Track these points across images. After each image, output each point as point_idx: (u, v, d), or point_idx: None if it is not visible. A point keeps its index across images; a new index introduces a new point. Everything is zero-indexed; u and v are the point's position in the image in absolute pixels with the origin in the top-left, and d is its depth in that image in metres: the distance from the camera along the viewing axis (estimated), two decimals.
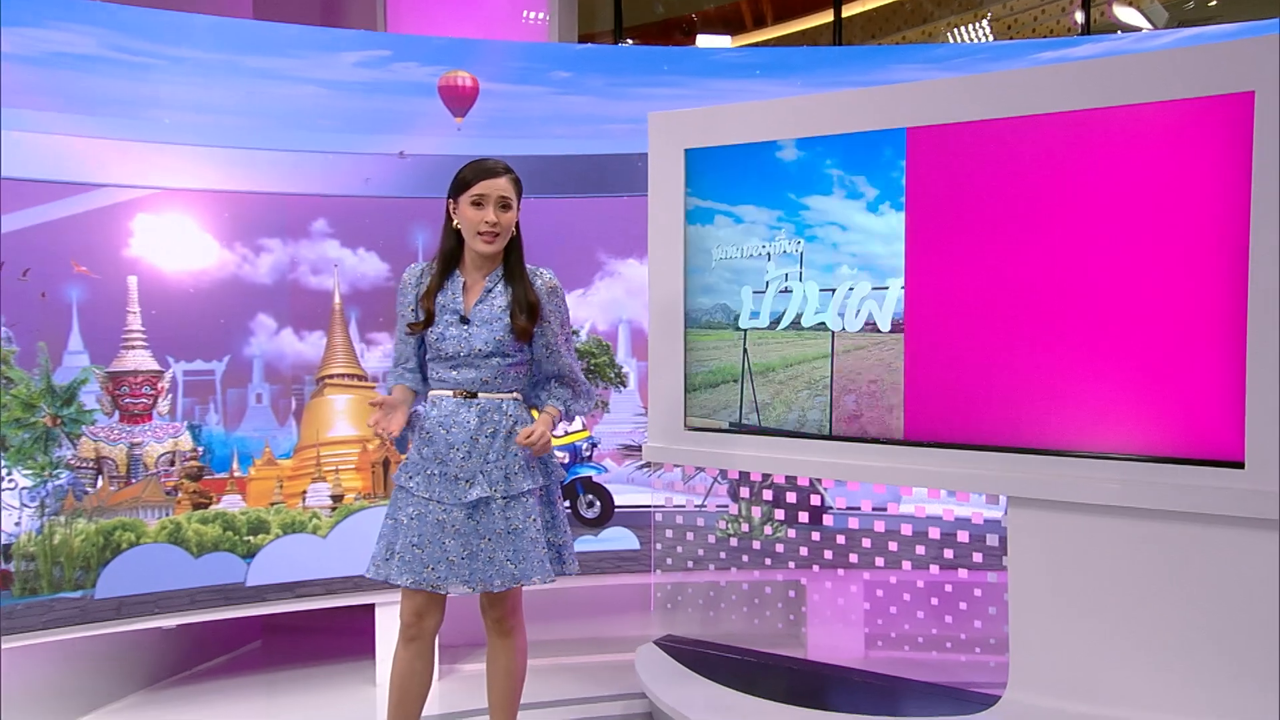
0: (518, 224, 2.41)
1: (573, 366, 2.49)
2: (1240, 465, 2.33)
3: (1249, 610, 2.35)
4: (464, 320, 2.37)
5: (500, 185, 2.34)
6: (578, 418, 3.74)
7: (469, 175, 2.35)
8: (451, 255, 2.42)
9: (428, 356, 2.43)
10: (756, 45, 7.94)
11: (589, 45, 3.69)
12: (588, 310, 3.71)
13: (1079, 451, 2.52)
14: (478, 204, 2.33)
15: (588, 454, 3.73)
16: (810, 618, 3.65)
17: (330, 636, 3.86)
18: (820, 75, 3.69)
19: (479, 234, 2.34)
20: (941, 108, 2.67)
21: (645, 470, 3.72)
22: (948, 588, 3.23)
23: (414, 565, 2.31)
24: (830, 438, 2.87)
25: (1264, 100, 2.28)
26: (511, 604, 2.45)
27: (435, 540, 2.31)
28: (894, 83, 3.51)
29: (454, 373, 2.38)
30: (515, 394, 2.43)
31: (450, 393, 2.38)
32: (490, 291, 2.40)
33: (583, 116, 3.63)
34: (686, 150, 3.11)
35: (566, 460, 3.72)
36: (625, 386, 3.76)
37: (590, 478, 3.71)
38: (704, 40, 7.65)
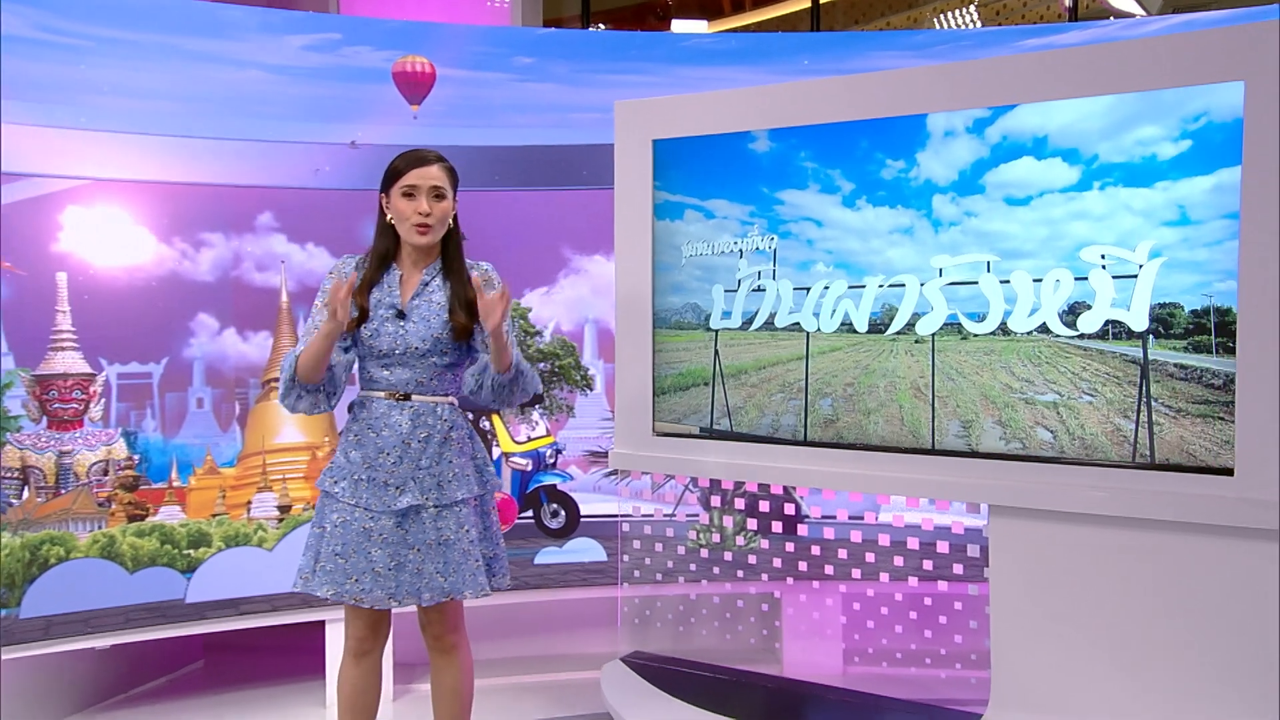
0: (456, 217, 2.40)
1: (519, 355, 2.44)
2: (1229, 472, 2.33)
3: (1239, 623, 2.34)
4: (400, 315, 2.34)
5: (433, 174, 2.33)
6: (541, 423, 3.70)
7: (400, 165, 2.35)
8: (387, 254, 2.39)
9: (359, 353, 2.39)
10: (734, 31, 7.93)
11: (553, 30, 3.67)
12: (552, 309, 3.68)
13: (1062, 458, 2.51)
14: (409, 195, 2.33)
15: (552, 461, 3.70)
16: (785, 632, 3.64)
17: (277, 655, 3.80)
18: (797, 62, 3.69)
19: (413, 225, 2.33)
20: (904, 99, 2.65)
21: (612, 478, 3.69)
22: (927, 600, 3.23)
23: (336, 576, 2.28)
24: (805, 443, 2.85)
25: (1255, 91, 2.27)
26: (452, 620, 2.42)
27: (360, 550, 2.28)
28: (872, 70, 3.52)
29: (386, 372, 2.35)
30: (451, 399, 2.41)
31: (382, 394, 2.35)
32: (428, 285, 2.38)
33: (547, 105, 3.60)
34: (655, 141, 3.08)
35: (530, 468, 3.68)
36: (592, 390, 3.73)
37: (554, 486, 3.69)
38: (679, 25, 7.63)
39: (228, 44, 3.30)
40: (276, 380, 3.36)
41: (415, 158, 2.34)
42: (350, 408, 2.41)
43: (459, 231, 2.42)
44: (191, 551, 3.27)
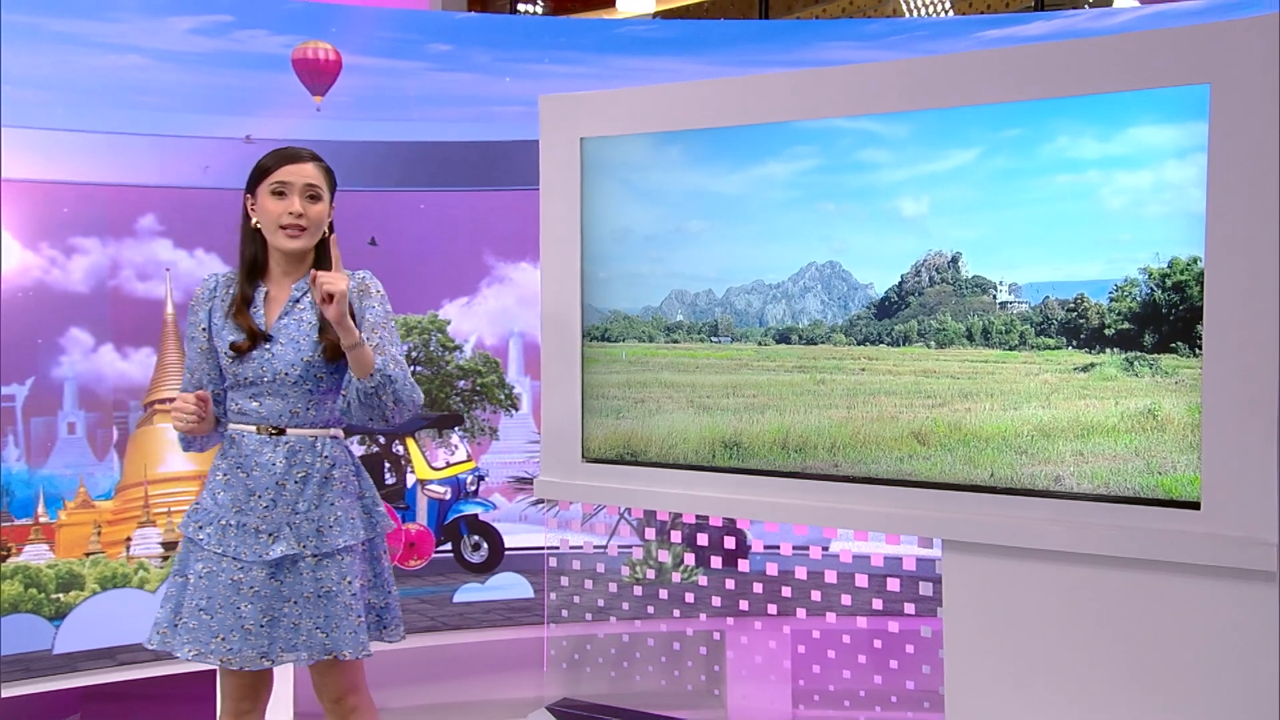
0: (332, 225, 2.30)
1: (399, 360, 2.29)
2: (1196, 506, 2.30)
3: (1210, 666, 2.32)
4: (266, 337, 2.23)
5: (306, 171, 2.25)
6: (461, 447, 3.61)
7: (269, 162, 2.26)
8: (254, 262, 2.29)
9: (225, 384, 2.29)
10: (685, 8, 7.89)
11: (472, 14, 3.61)
12: (474, 322, 3.60)
13: (1020, 489, 2.47)
14: (279, 193, 2.23)
15: (473, 488, 3.62)
16: (729, 676, 3.60)
17: (164, 704, 3.66)
18: (741, 53, 3.65)
19: (281, 228, 2.22)
20: (851, 98, 2.59)
21: (540, 507, 3.62)
22: (877, 642, 3.21)
23: (200, 634, 2.17)
24: (750, 471, 2.79)
25: (1220, 94, 2.24)
26: (349, 679, 2.33)
27: (228, 604, 2.18)
28: (822, 63, 3.48)
29: (255, 403, 2.24)
30: (334, 431, 2.31)
31: (253, 428, 2.24)
32: (298, 303, 2.27)
33: (466, 97, 3.53)
34: (583, 140, 3.00)
35: (448, 496, 3.59)
36: (517, 409, 3.65)
37: (476, 516, 3.60)
38: (624, 5, 7.58)
39: (104, 25, 3.19)
40: (160, 402, 3.28)
41: (287, 154, 2.26)
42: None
43: (334, 239, 2.28)
44: (61, 596, 3.14)
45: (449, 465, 3.60)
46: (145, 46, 3.23)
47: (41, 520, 3.15)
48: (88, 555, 3.19)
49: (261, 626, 2.18)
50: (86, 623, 3.16)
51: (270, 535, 2.20)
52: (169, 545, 3.28)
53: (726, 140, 2.76)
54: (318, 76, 3.40)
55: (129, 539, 3.25)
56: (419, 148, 3.50)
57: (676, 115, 2.86)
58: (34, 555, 3.13)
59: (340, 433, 2.32)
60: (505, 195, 3.54)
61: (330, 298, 2.10)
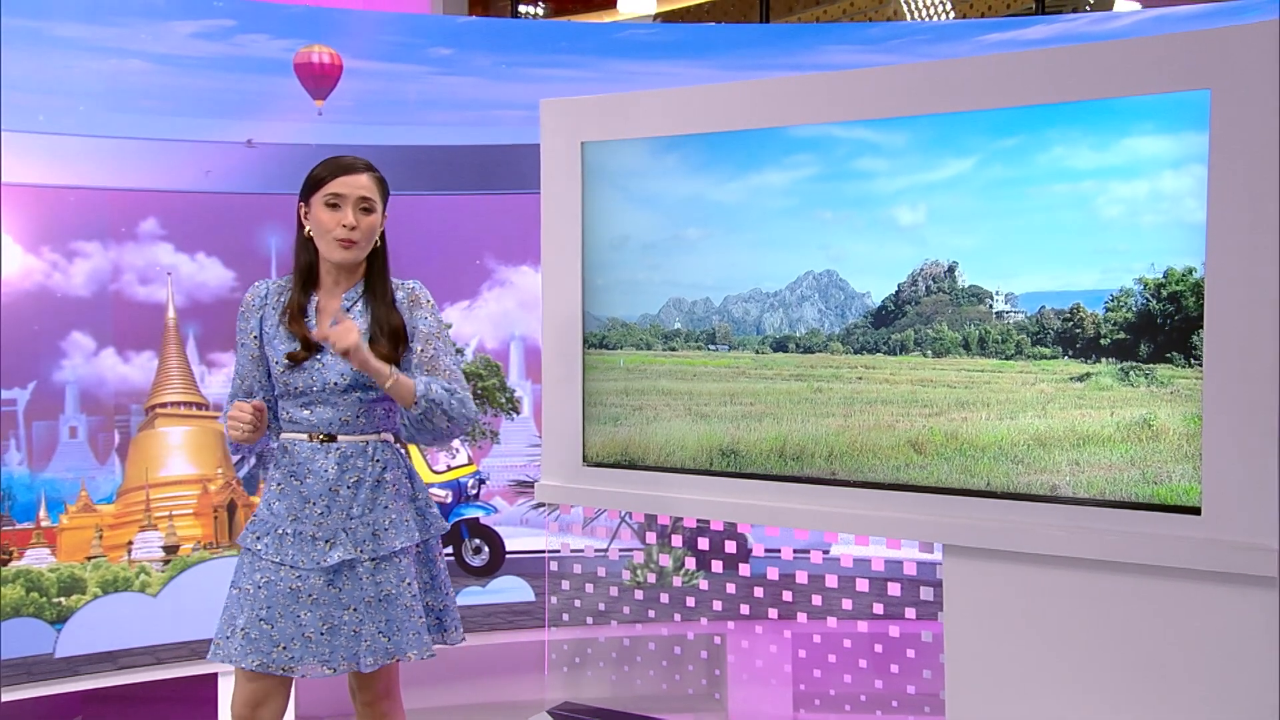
0: (383, 234, 2.32)
1: (452, 370, 2.32)
2: (1197, 511, 2.30)
3: (1208, 672, 2.32)
4: (319, 347, 2.25)
5: (361, 183, 2.25)
6: (462, 450, 3.62)
7: (323, 172, 2.26)
8: (308, 270, 2.31)
9: (277, 392, 2.31)
10: (686, 10, 7.89)
11: (474, 18, 3.61)
12: (475, 325, 3.61)
13: (1021, 493, 2.47)
14: (333, 205, 2.24)
15: (474, 492, 3.63)
16: (730, 679, 3.59)
17: (168, 705, 3.67)
18: (743, 56, 3.65)
19: (335, 240, 2.23)
20: (847, 105, 2.60)
21: (540, 510, 3.62)
22: (878, 647, 3.20)
23: (261, 644, 2.19)
24: (748, 475, 2.79)
25: (1221, 100, 2.24)
26: (385, 685, 2.35)
27: (288, 613, 2.20)
28: (823, 66, 3.48)
29: (307, 412, 2.27)
30: (385, 435, 2.33)
31: (305, 436, 2.27)
32: (349, 313, 2.29)
33: (467, 101, 3.54)
34: (584, 144, 3.01)
35: (449, 500, 3.59)
36: (519, 413, 3.66)
37: (477, 519, 3.61)
38: (625, 6, 7.58)
39: (106, 30, 3.19)
40: (163, 406, 3.30)
41: (341, 164, 2.26)
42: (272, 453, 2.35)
43: (386, 251, 2.34)
44: (63, 600, 3.15)
45: (450, 469, 3.61)
46: (147, 51, 3.23)
47: (43, 524, 3.15)
48: (89, 559, 3.20)
49: (322, 634, 2.20)
50: (88, 626, 3.17)
51: (327, 542, 2.22)
52: (170, 549, 3.28)
53: (724, 148, 2.75)
54: (319, 80, 3.41)
55: (130, 543, 3.25)
56: (420, 151, 3.50)
57: (677, 119, 2.87)
58: (35, 559, 3.13)
59: (391, 436, 2.34)
60: (506, 199, 3.55)
61: (346, 354, 2.13)
